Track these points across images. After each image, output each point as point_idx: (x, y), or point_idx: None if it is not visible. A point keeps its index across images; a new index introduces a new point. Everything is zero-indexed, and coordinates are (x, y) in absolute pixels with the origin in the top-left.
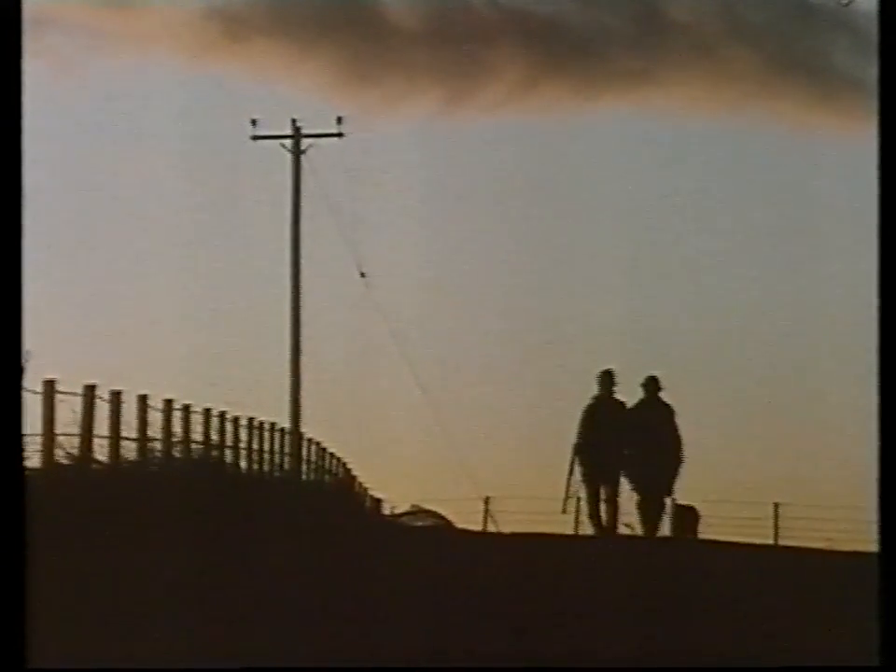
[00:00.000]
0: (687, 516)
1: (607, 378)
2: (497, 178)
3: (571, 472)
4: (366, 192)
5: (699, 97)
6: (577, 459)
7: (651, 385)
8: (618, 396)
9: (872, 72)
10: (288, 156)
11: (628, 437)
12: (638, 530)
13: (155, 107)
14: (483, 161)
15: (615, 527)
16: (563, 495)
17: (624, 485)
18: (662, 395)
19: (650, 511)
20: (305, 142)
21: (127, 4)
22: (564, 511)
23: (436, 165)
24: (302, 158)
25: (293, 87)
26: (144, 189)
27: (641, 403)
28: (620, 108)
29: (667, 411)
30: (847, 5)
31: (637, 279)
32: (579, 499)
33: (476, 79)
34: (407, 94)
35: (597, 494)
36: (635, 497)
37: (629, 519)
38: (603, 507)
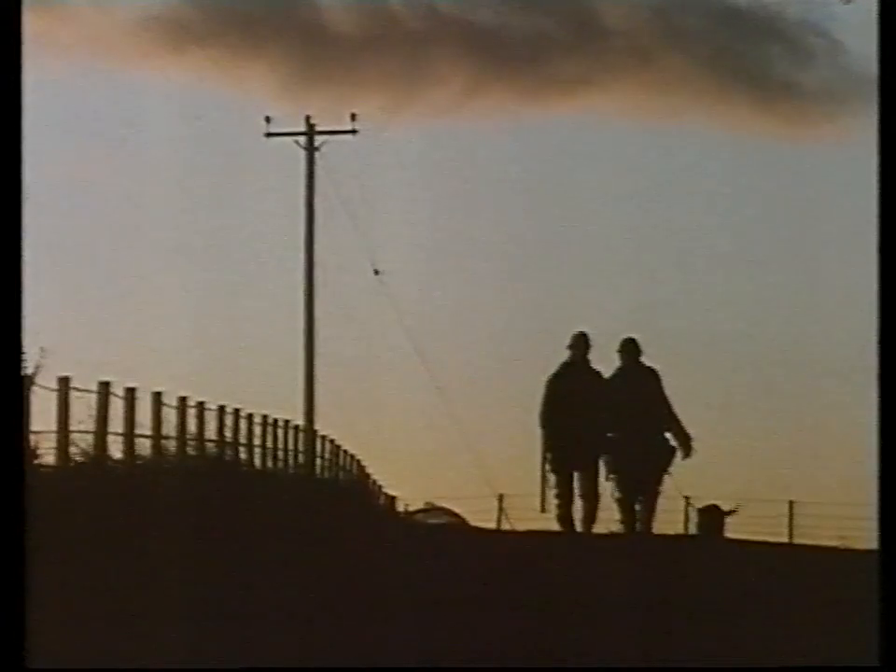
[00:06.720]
0: (713, 516)
1: (580, 342)
2: (498, 177)
3: (545, 459)
4: (378, 189)
5: (638, 102)
6: (546, 441)
7: (630, 347)
8: (593, 364)
9: (805, 76)
10: (302, 153)
11: (608, 416)
12: (623, 525)
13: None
14: (488, 161)
15: (592, 526)
16: (539, 489)
17: (604, 475)
18: (643, 359)
19: (642, 504)
20: (318, 139)
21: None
22: (543, 510)
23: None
24: (316, 154)
25: (237, 92)
26: (148, 186)
27: (620, 371)
28: (561, 113)
29: (653, 377)
30: (848, 2)
31: (634, 277)
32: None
33: (419, 86)
34: (353, 99)
35: (570, 484)
36: (620, 488)
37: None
38: (579, 503)
